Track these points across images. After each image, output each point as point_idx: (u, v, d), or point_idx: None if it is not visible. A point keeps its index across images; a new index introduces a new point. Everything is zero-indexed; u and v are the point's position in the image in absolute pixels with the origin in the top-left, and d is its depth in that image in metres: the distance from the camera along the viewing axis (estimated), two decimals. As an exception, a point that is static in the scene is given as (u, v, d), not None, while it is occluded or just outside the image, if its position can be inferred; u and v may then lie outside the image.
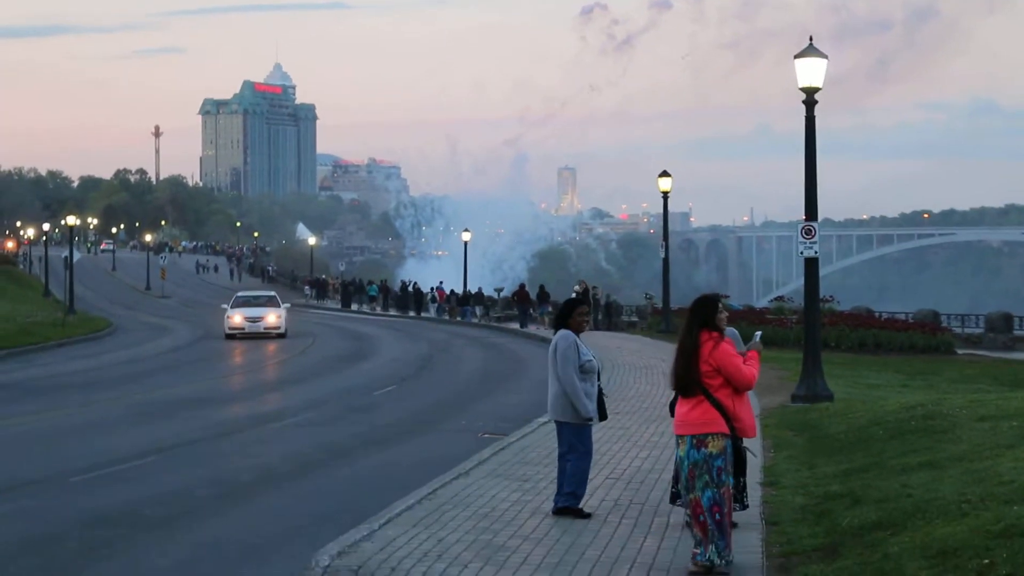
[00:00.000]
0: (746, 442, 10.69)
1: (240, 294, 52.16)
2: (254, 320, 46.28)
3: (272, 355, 38.66)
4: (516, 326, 53.49)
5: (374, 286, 78.58)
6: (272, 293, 53.47)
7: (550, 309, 52.20)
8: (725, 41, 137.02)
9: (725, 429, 9.47)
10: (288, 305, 50.67)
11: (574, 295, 46.99)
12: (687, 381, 9.52)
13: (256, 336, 45.17)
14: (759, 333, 10.51)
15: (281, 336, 45.45)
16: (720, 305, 9.87)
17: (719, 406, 9.50)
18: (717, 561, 9.32)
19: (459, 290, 67.46)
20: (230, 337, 45.16)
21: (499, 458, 15.12)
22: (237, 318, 46.26)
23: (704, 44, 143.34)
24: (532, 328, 51.30)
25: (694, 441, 9.47)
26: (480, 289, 67.11)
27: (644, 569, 9.53)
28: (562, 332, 11.68)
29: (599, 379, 11.71)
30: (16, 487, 14.12)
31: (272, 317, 46.34)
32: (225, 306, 48.87)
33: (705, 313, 9.62)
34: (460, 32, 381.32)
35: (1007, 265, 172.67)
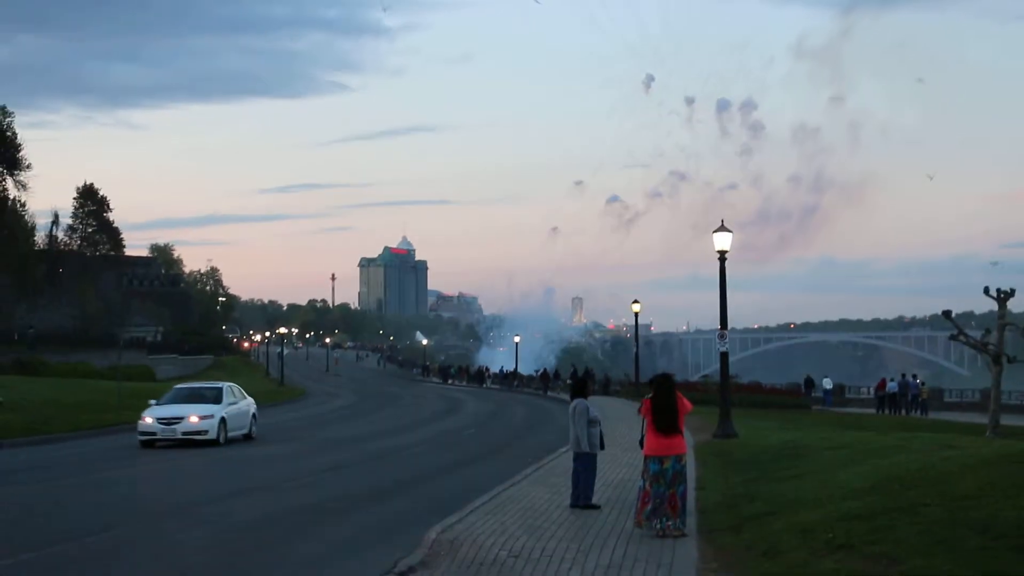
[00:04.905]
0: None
1: (180, 387, 35.83)
2: (168, 422, 31.61)
3: (400, 408, 58.54)
4: (541, 392, 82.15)
5: (454, 368, 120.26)
6: (221, 386, 34.91)
7: (561, 383, 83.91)
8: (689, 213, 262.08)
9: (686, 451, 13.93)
10: (243, 401, 35.21)
11: (573, 375, 73.38)
12: (675, 424, 13.45)
13: (173, 444, 31.46)
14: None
15: (210, 443, 31.39)
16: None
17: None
18: (683, 527, 13.41)
19: (511, 371, 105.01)
20: (145, 445, 31.24)
21: (537, 474, 21.62)
22: (148, 419, 31.92)
23: (685, 210, 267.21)
24: (552, 394, 78.22)
25: (678, 458, 13.43)
26: (517, 370, 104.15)
27: (626, 537, 13.58)
28: (578, 400, 16.26)
29: (599, 426, 16.48)
30: (252, 489, 20.77)
31: (194, 417, 31.72)
32: (151, 402, 34.25)
33: (674, 383, 14.08)
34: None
35: (840, 355, 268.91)
